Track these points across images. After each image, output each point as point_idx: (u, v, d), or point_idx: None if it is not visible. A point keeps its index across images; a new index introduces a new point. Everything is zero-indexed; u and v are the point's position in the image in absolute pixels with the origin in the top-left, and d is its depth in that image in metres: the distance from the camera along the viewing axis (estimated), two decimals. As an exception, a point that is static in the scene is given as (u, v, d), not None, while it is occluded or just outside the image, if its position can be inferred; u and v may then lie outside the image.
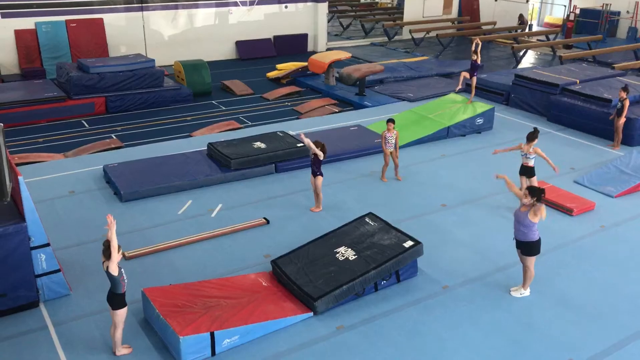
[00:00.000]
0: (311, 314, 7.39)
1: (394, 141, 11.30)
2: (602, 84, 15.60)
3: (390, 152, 11.41)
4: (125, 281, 6.45)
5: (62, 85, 16.31)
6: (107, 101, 16.03)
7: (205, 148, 12.35)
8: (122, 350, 6.72)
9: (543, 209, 7.37)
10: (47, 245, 7.46)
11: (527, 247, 7.62)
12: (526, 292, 7.95)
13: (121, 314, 6.49)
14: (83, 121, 15.45)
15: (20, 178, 7.08)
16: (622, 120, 13.14)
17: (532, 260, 7.71)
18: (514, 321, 7.45)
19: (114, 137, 14.11)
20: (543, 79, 15.96)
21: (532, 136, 9.86)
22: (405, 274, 8.21)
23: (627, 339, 7.16)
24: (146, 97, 16.49)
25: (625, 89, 12.97)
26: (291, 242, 8.92)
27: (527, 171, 10.09)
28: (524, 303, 7.81)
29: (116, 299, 6.43)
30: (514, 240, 7.74)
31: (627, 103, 12.94)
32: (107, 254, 6.20)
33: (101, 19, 20.32)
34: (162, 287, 7.49)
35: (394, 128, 11.25)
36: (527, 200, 7.42)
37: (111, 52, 20.55)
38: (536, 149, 9.84)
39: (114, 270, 6.24)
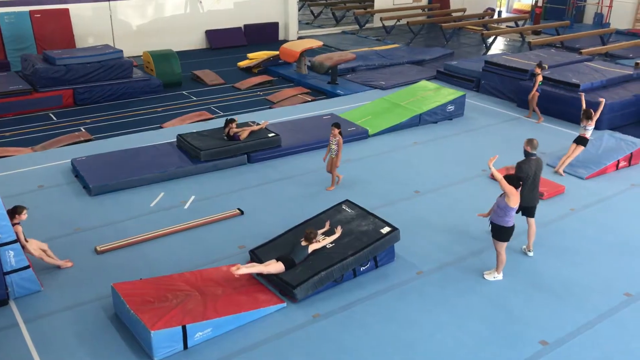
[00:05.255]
0: (285, 304, 7.38)
1: (334, 147, 10.28)
2: (571, 69, 15.83)
3: (332, 158, 10.44)
4: None
5: (27, 77, 15.92)
6: (75, 93, 15.72)
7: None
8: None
9: (515, 197, 7.46)
10: (16, 241, 7.31)
11: (498, 231, 7.73)
12: (499, 276, 8.06)
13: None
14: (51, 114, 15.13)
15: (-15, 173, 6.91)
16: (533, 92, 14.13)
17: (502, 246, 7.83)
18: (488, 304, 7.56)
19: (83, 130, 13.85)
20: (512, 65, 16.12)
21: (588, 114, 10.96)
22: (383, 259, 8.27)
23: (597, 318, 7.31)
24: (115, 89, 16.20)
25: (539, 65, 13.99)
26: (266, 232, 8.89)
27: (581, 141, 11.21)
28: (497, 286, 7.92)
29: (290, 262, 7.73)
30: (489, 225, 7.85)
31: (539, 78, 13.94)
32: (309, 238, 7.89)
33: (67, 9, 19.84)
34: (132, 281, 7.40)
35: (339, 133, 10.21)
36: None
37: (78, 43, 20.10)
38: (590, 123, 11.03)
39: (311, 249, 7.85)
